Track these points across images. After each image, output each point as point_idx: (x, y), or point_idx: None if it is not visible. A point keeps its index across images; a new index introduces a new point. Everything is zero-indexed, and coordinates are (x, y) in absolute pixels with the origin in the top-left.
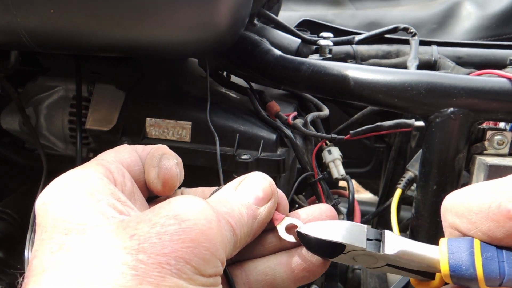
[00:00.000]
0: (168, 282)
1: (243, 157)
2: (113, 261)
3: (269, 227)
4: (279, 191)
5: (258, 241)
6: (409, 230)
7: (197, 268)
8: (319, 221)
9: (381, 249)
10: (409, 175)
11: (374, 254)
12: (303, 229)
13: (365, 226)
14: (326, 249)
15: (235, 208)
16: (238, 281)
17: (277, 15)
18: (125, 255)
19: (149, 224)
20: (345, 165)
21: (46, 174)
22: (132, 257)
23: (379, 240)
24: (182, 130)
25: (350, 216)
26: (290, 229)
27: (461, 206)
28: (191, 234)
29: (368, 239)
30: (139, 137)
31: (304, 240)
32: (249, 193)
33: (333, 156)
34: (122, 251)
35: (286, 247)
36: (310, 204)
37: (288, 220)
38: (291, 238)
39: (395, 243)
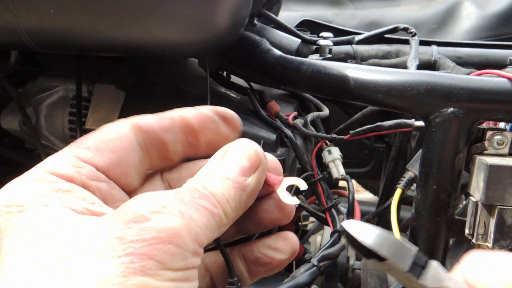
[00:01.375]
0: (132, 281)
1: None
2: None
3: (265, 192)
4: (269, 155)
5: (256, 212)
6: (409, 230)
7: (162, 263)
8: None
9: (421, 276)
10: (409, 175)
11: (412, 279)
12: (348, 225)
13: (416, 249)
14: (366, 251)
15: (218, 185)
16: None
17: (277, 15)
18: None
19: (108, 228)
20: (345, 165)
21: None
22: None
23: (423, 267)
24: None
25: (350, 216)
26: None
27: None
28: (151, 232)
29: (413, 263)
30: None
31: (347, 236)
32: (234, 164)
33: (333, 156)
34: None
35: (284, 215)
36: (310, 204)
37: (287, 181)
38: (294, 201)
39: (438, 277)
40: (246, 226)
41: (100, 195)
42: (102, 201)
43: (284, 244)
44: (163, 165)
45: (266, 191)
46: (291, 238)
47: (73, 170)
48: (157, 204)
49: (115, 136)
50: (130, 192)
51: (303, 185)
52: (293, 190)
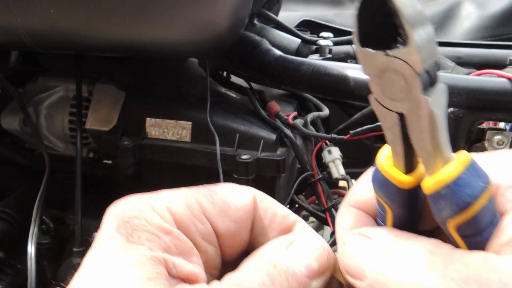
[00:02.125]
0: None
1: (243, 157)
2: None
3: None
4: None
5: None
6: None
7: None
8: None
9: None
10: None
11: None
12: None
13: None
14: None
15: (283, 279)
16: None
17: (277, 15)
18: None
19: None
20: (345, 165)
21: (49, 174)
22: None
23: (432, 82)
24: (182, 130)
25: None
26: None
27: None
28: None
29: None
30: (139, 137)
31: None
32: (301, 260)
33: (333, 156)
34: None
35: None
36: (310, 204)
37: None
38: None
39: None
40: None
41: (203, 258)
42: (203, 263)
43: None
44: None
45: None
46: None
47: (191, 221)
48: None
49: (241, 206)
50: (226, 264)
51: None
52: (293, 191)
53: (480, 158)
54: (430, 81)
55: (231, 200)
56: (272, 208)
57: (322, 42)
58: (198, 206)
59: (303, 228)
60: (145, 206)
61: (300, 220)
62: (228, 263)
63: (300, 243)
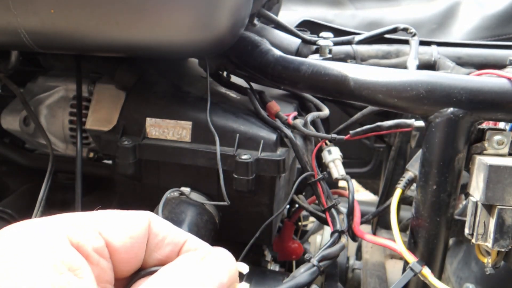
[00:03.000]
0: None
1: (243, 157)
2: None
3: None
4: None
5: None
6: (409, 230)
7: None
8: None
9: None
10: (409, 175)
11: None
12: None
13: None
14: None
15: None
16: None
17: (277, 15)
18: None
19: None
20: (345, 165)
21: (51, 172)
22: None
23: None
24: (182, 130)
25: (350, 216)
26: None
27: None
28: None
29: None
30: (139, 137)
31: None
32: (214, 277)
33: (333, 156)
34: None
35: None
36: (310, 204)
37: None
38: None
39: None
40: None
41: (96, 271)
42: (95, 277)
43: None
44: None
45: None
46: None
47: (85, 237)
48: None
49: (137, 223)
50: (118, 278)
51: (244, 269)
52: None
53: None
54: None
55: (128, 218)
56: (165, 227)
57: (322, 42)
58: (94, 223)
59: (197, 243)
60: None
61: (191, 236)
62: (122, 281)
63: (212, 260)
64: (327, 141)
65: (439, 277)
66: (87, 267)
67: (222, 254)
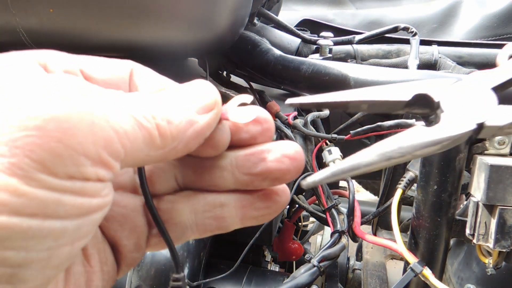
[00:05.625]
0: None
1: None
2: None
3: (214, 152)
4: (263, 111)
5: (209, 174)
6: (410, 230)
7: (42, 164)
8: None
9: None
10: (409, 175)
11: None
12: None
13: None
14: None
15: (160, 106)
16: (184, 209)
17: (277, 14)
18: None
19: (13, 102)
20: None
21: None
22: None
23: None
24: None
25: (350, 216)
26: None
27: None
28: (36, 120)
29: None
30: None
31: None
32: (186, 98)
33: (333, 156)
34: None
35: (240, 183)
36: (310, 204)
37: (236, 101)
38: (245, 118)
39: None
40: (189, 179)
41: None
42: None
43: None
44: None
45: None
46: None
47: (53, 59)
48: (66, 85)
49: (117, 61)
50: None
51: (247, 99)
52: (293, 191)
53: None
54: None
55: (107, 59)
56: (149, 71)
57: (322, 41)
58: (65, 55)
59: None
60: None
61: (175, 83)
62: None
63: (186, 86)
64: (327, 141)
65: (440, 278)
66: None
67: (199, 81)
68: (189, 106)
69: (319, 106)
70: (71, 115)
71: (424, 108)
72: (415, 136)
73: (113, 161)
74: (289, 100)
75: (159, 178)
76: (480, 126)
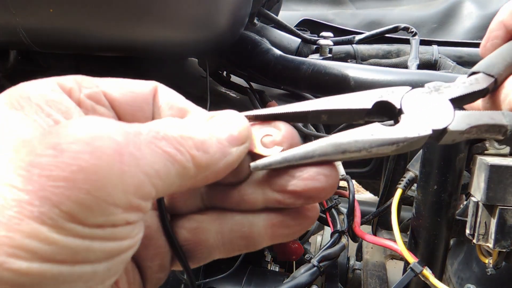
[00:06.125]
0: (24, 226)
1: None
2: None
3: (241, 177)
4: (290, 128)
5: (238, 193)
6: (410, 230)
7: (71, 215)
8: None
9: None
10: (409, 175)
11: None
12: None
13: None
14: None
15: (196, 133)
16: (210, 229)
17: (277, 14)
18: None
19: (27, 150)
20: (345, 165)
21: None
22: None
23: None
24: None
25: (350, 216)
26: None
27: None
28: (65, 170)
29: None
30: None
31: None
32: (222, 129)
33: None
34: None
35: (267, 203)
36: None
37: (261, 132)
38: (271, 151)
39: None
40: (216, 198)
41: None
42: None
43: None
44: None
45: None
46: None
47: (76, 84)
48: (89, 132)
49: (140, 83)
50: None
51: (273, 132)
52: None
53: None
54: None
55: (130, 81)
56: (173, 92)
57: (322, 41)
58: (88, 78)
59: (201, 110)
60: (33, 84)
61: (199, 108)
62: None
63: (220, 117)
64: None
65: (440, 278)
66: (76, 110)
67: (232, 112)
68: (223, 137)
69: (276, 118)
70: (100, 167)
71: (385, 116)
72: (372, 133)
73: (144, 203)
74: (243, 114)
75: (184, 197)
76: (443, 131)
